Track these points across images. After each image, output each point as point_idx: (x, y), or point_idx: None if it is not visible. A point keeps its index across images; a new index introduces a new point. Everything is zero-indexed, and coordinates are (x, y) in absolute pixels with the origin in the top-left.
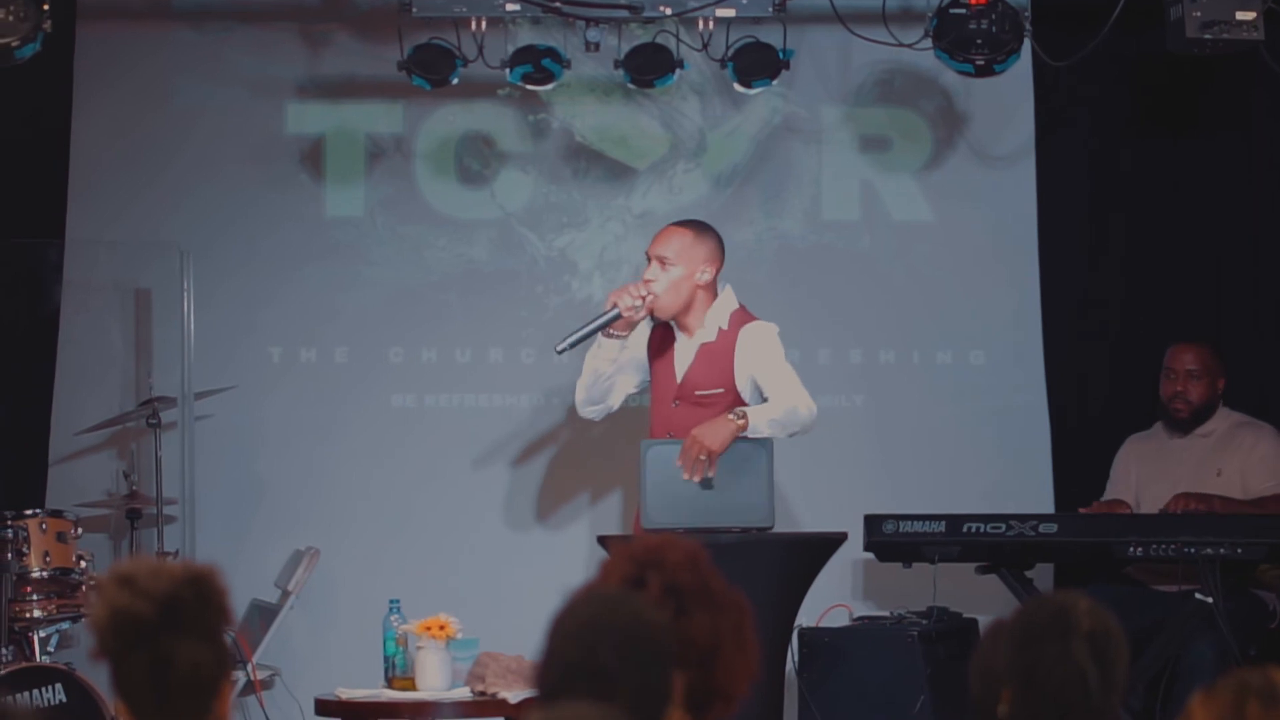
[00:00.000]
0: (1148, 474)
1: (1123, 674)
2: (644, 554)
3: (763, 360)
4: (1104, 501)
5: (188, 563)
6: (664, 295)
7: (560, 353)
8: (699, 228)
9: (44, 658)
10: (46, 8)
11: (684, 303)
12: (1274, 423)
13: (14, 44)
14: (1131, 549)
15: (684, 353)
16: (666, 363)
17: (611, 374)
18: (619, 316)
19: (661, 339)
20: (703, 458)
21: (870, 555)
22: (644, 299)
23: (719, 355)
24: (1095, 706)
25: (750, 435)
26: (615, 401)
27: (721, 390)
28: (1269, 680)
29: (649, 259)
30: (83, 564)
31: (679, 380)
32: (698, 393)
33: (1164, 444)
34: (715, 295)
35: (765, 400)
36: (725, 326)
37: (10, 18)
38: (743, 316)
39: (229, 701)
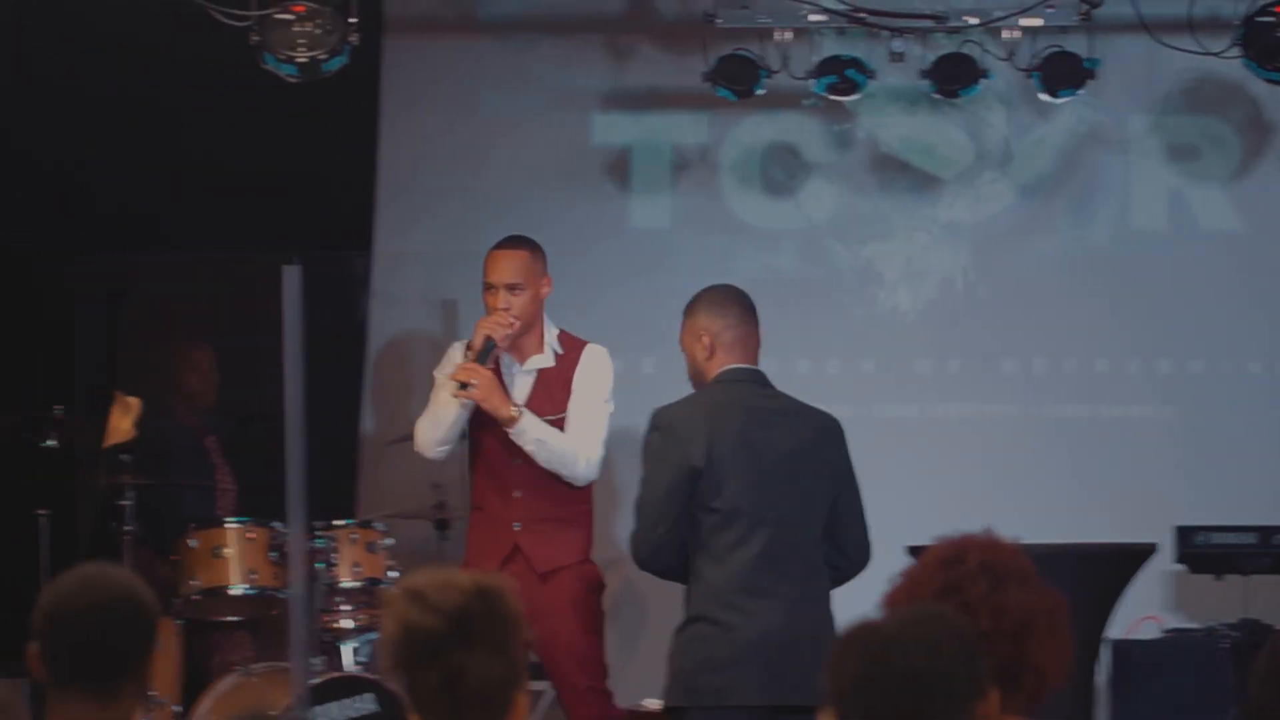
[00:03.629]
0: None
1: None
2: (965, 538)
3: (588, 390)
4: None
5: (477, 575)
6: (521, 321)
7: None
8: (531, 245)
9: (353, 668)
10: (353, 21)
11: (529, 325)
12: None
13: (321, 57)
14: None
15: (520, 379)
16: None
17: (461, 414)
18: (494, 345)
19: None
20: (473, 379)
21: (1182, 567)
22: (511, 324)
23: (559, 379)
24: None
25: (509, 433)
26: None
27: (562, 416)
28: None
29: (491, 288)
30: (392, 574)
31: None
32: (543, 419)
33: None
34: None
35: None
36: (560, 350)
37: (318, 31)
38: (573, 339)
39: (523, 715)
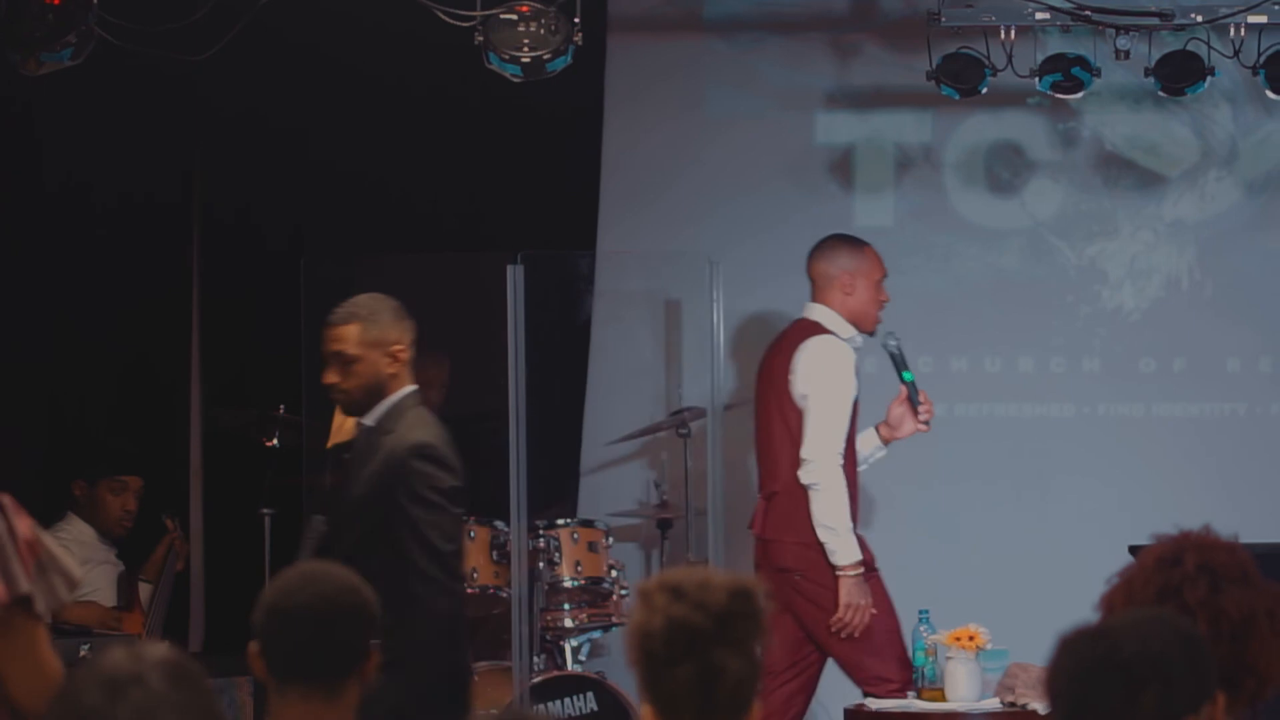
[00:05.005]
0: None
1: None
2: (1183, 537)
3: None
4: None
5: (734, 574)
6: None
7: None
8: None
9: (575, 666)
10: (577, 21)
11: None
12: None
13: (546, 57)
14: None
15: None
16: None
17: None
18: None
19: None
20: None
21: None
22: None
23: None
24: None
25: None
26: None
27: None
28: None
29: (882, 281)
30: (614, 573)
31: None
32: None
33: None
34: None
35: None
36: None
37: (542, 31)
38: None
39: (759, 713)
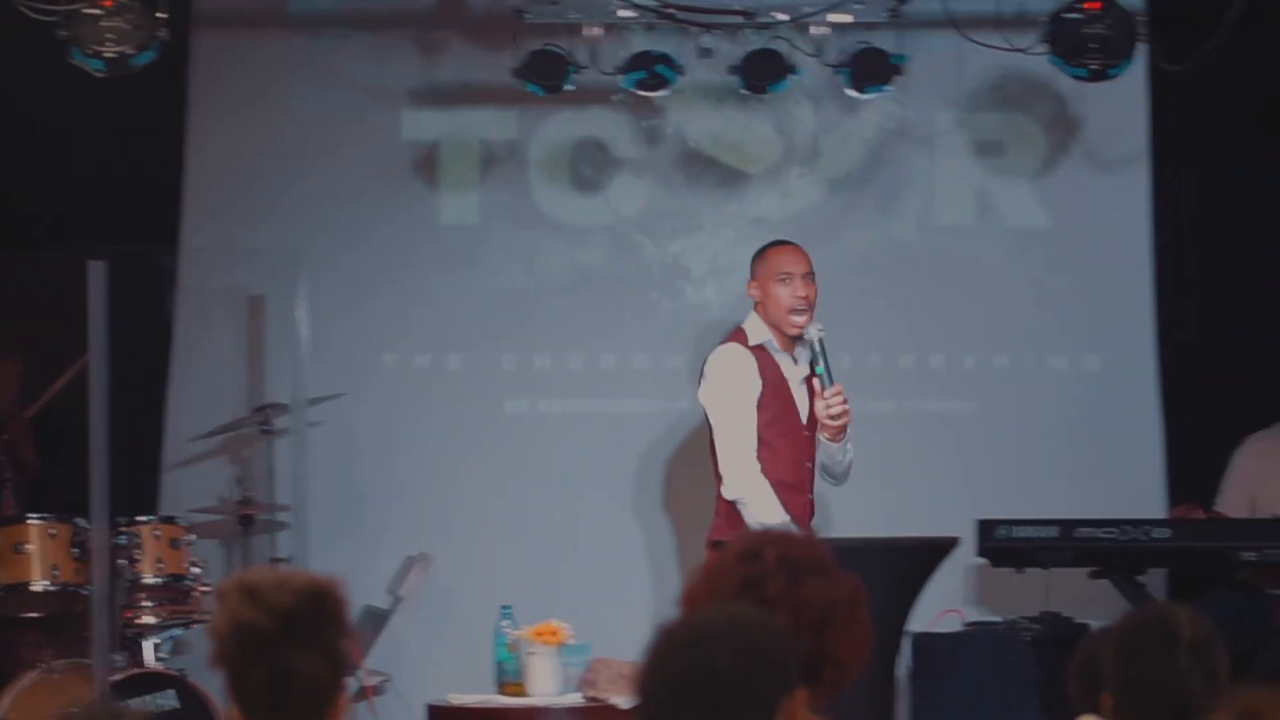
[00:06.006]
0: (1268, 474)
1: (1224, 680)
2: (764, 532)
3: None
4: (1184, 506)
5: (310, 575)
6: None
7: None
8: None
9: (156, 664)
10: (162, 16)
11: None
12: None
13: (129, 52)
14: (1245, 554)
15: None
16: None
17: None
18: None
19: (771, 376)
20: (847, 405)
21: (983, 560)
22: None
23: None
24: (1199, 712)
25: (835, 443)
26: None
27: None
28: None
29: (789, 278)
30: (195, 570)
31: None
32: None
33: None
34: None
35: None
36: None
37: (126, 26)
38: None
39: (342, 711)
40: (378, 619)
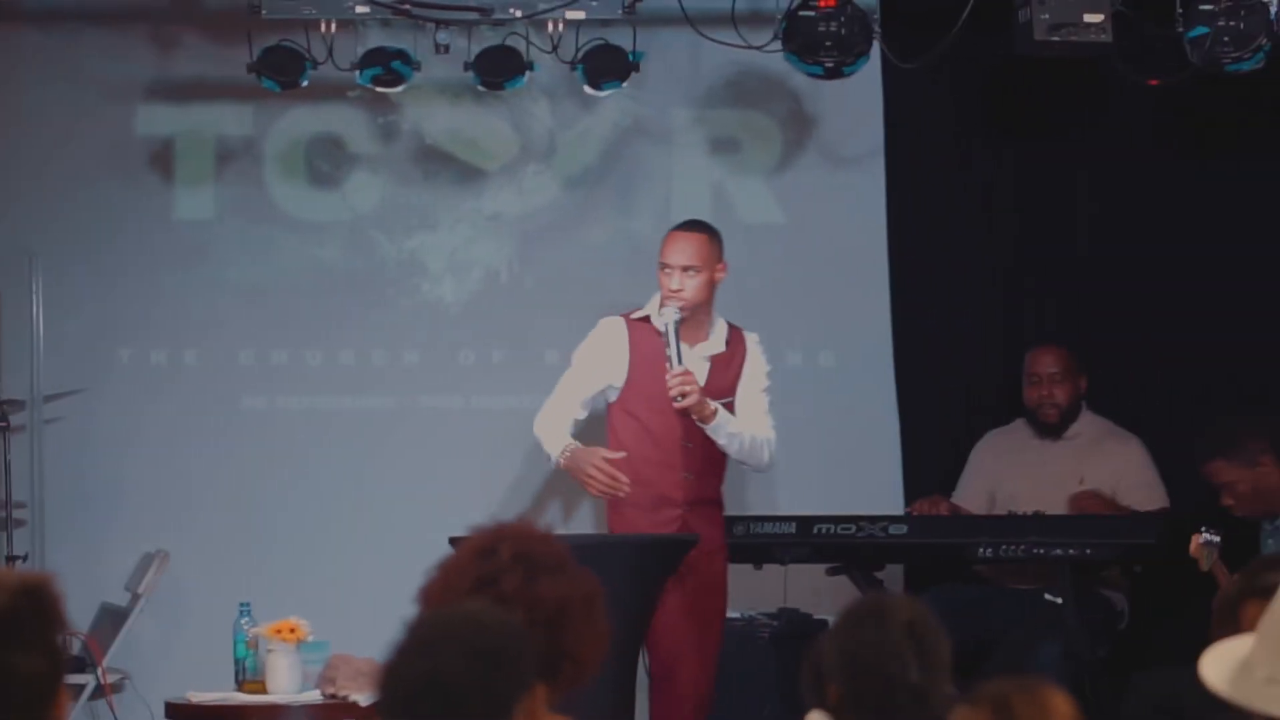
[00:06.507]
0: (1005, 470)
1: (945, 659)
2: (499, 528)
3: (761, 379)
4: (927, 500)
5: (22, 573)
6: (691, 304)
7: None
8: (710, 230)
9: None
10: None
11: (696, 309)
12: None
13: None
14: (981, 550)
15: (695, 365)
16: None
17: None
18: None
19: (648, 352)
20: (689, 389)
21: None
22: (681, 307)
23: (728, 366)
24: (917, 690)
25: (704, 427)
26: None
27: (729, 401)
28: (1024, 690)
29: (667, 269)
30: None
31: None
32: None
33: (1027, 442)
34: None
35: None
36: (728, 336)
37: None
38: (734, 327)
39: (64, 708)
40: (116, 617)
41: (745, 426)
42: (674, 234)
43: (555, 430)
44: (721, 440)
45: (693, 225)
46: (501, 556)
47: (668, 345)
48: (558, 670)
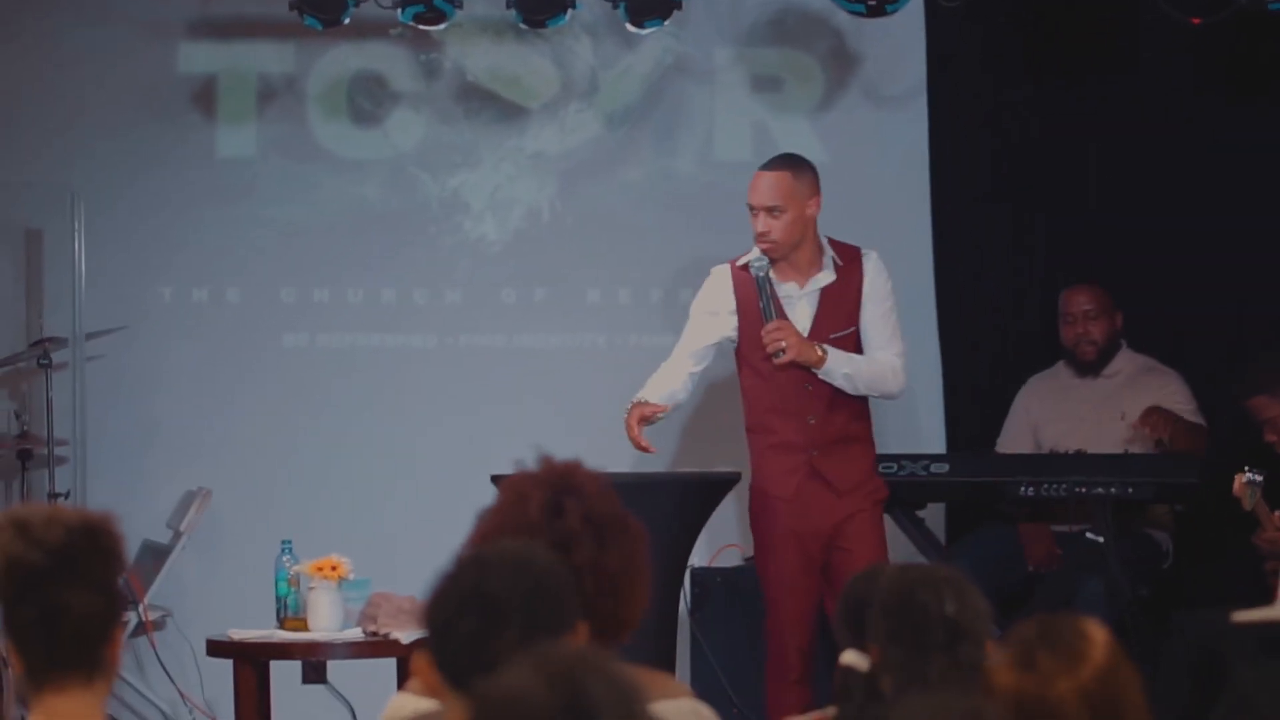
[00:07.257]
0: (1048, 413)
1: (983, 607)
2: (560, 480)
3: (883, 299)
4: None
5: (83, 511)
6: (782, 245)
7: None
8: (796, 164)
9: None
10: None
11: (794, 246)
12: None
13: None
14: (1023, 489)
15: (802, 303)
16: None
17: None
18: (770, 283)
19: (754, 299)
20: (782, 344)
21: None
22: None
23: (843, 293)
24: (953, 625)
25: (816, 373)
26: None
27: (852, 330)
28: (1057, 627)
29: (753, 211)
30: None
31: (807, 333)
32: (831, 337)
33: (1067, 383)
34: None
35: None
36: (840, 262)
37: None
38: (847, 247)
39: (119, 647)
40: (158, 554)
41: (861, 362)
42: (757, 174)
43: (656, 380)
44: (838, 382)
45: (773, 163)
46: (570, 519)
47: (761, 298)
48: (615, 634)
